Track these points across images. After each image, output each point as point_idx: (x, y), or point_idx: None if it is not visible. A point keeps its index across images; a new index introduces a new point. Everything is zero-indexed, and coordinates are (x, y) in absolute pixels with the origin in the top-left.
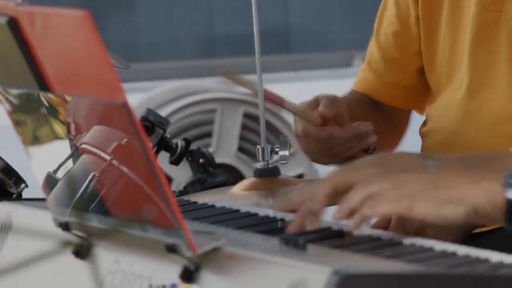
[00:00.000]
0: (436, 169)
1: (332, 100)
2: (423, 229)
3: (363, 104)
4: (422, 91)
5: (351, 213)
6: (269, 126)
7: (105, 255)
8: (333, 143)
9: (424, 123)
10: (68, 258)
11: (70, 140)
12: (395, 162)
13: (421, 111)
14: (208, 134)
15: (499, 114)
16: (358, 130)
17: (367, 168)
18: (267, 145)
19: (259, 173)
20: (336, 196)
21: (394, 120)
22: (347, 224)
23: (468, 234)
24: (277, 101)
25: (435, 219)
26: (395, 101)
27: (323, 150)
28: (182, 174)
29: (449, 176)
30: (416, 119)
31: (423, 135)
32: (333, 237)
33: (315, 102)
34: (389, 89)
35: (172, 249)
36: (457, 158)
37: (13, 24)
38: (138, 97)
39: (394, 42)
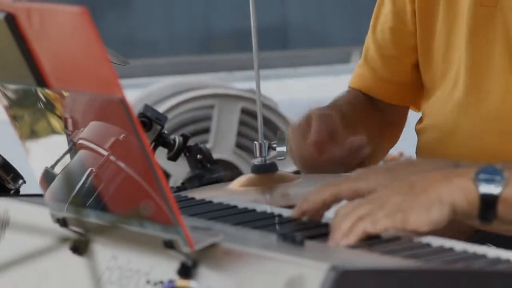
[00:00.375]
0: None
1: (325, 118)
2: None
3: (360, 103)
4: (418, 87)
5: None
6: (267, 122)
7: (103, 251)
8: (330, 162)
9: (420, 120)
10: (66, 254)
11: (68, 135)
12: (427, 167)
13: (417, 108)
14: (206, 130)
15: (495, 110)
16: (352, 146)
17: (372, 174)
18: (265, 141)
19: (256, 169)
20: (334, 202)
21: (390, 118)
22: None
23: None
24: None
25: (427, 227)
26: (391, 98)
27: (320, 170)
28: (180, 170)
29: (424, 179)
30: (412, 116)
31: (418, 132)
32: (330, 233)
33: (307, 119)
34: (386, 85)
35: (169, 245)
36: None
37: (11, 20)
38: (136, 93)
39: (390, 38)
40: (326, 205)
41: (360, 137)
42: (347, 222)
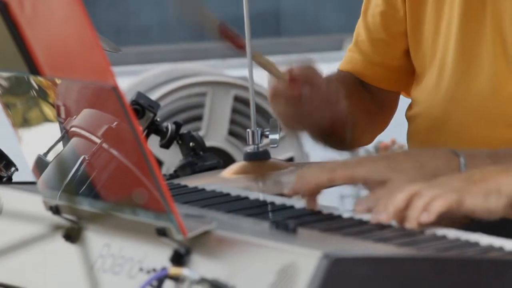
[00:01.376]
0: (466, 166)
1: (307, 63)
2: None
3: (350, 83)
4: (409, 73)
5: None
6: (260, 110)
7: (96, 238)
8: (301, 103)
9: (410, 107)
10: (59, 242)
11: (60, 123)
12: (430, 162)
13: (408, 94)
14: (199, 118)
15: (486, 96)
16: (327, 92)
17: (370, 162)
18: (257, 128)
19: (249, 157)
20: (328, 187)
21: (381, 102)
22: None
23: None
24: (237, 44)
25: (482, 213)
26: (381, 82)
27: (292, 112)
28: (172, 157)
29: (482, 171)
30: (405, 104)
31: (409, 119)
32: (323, 221)
33: (291, 66)
34: (376, 69)
35: (162, 233)
36: (483, 153)
37: (3, 7)
38: (129, 81)
39: (381, 23)
40: (320, 189)
41: (336, 87)
42: (399, 198)
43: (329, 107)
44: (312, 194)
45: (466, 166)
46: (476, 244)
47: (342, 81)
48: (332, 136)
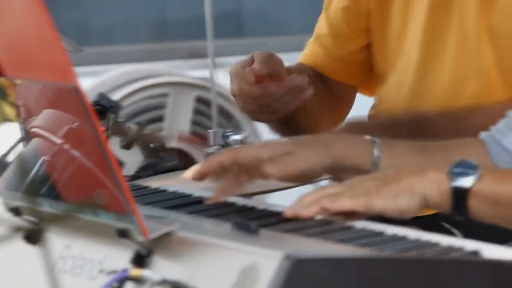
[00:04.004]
0: (381, 154)
1: (268, 56)
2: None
3: (309, 76)
4: (368, 69)
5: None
6: (221, 111)
7: (56, 240)
8: (269, 99)
9: (375, 105)
10: (19, 243)
11: (21, 123)
12: (338, 145)
13: (367, 91)
14: (161, 119)
15: (447, 94)
16: (293, 83)
17: (275, 143)
18: (219, 129)
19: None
20: (224, 169)
21: (339, 96)
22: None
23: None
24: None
25: (393, 212)
26: (341, 76)
27: (260, 107)
28: (134, 158)
29: (397, 171)
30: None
31: (373, 117)
32: (285, 222)
33: (251, 59)
34: (336, 63)
35: (123, 234)
36: (406, 145)
37: None
38: (91, 81)
39: (343, 17)
40: (224, 168)
41: (302, 76)
42: (311, 197)
43: (294, 98)
44: (216, 173)
45: (383, 157)
46: (436, 245)
47: (302, 73)
48: (292, 124)
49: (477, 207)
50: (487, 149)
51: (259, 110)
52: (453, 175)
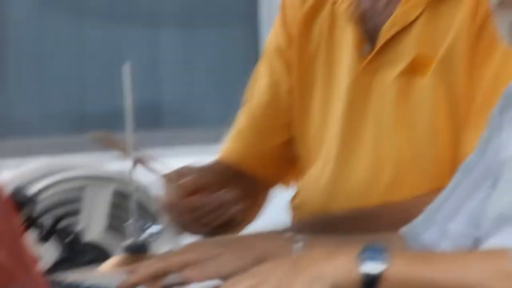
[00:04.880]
0: (301, 248)
1: (200, 169)
2: None
3: (229, 173)
4: (288, 163)
5: None
6: (139, 204)
7: None
8: (199, 213)
9: (295, 196)
10: None
11: None
12: (258, 244)
13: (286, 183)
14: (77, 212)
15: (362, 187)
16: (223, 199)
17: (200, 245)
18: (137, 222)
19: (127, 250)
20: (164, 274)
21: (256, 193)
22: None
23: None
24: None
25: None
26: (261, 172)
27: (190, 220)
28: (50, 252)
29: (308, 255)
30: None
31: (294, 207)
32: None
33: (182, 170)
34: (256, 159)
35: None
36: (329, 239)
37: None
38: (9, 174)
39: (264, 113)
40: (156, 279)
41: (232, 192)
42: None
43: (226, 211)
44: (147, 281)
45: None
46: None
47: (221, 172)
48: (220, 230)
49: None
50: (406, 243)
51: (189, 223)
52: (362, 260)
